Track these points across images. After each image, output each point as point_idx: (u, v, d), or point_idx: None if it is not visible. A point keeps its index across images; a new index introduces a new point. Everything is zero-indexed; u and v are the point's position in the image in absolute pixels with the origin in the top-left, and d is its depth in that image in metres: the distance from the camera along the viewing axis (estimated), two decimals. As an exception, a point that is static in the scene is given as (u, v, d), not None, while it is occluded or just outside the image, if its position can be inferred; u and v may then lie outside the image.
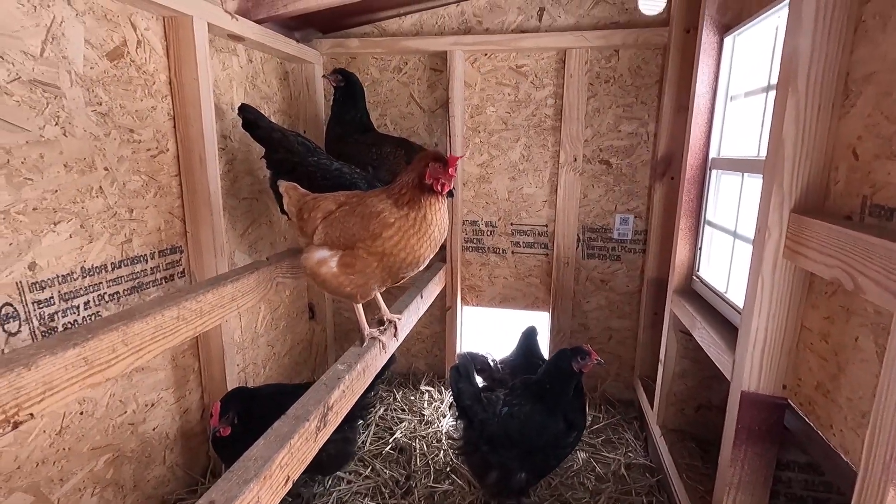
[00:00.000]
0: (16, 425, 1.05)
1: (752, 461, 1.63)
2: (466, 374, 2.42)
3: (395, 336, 2.22)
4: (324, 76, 2.87)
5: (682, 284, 2.47)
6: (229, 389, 2.48)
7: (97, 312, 1.89)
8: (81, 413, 1.87)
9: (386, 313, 2.23)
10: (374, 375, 2.04)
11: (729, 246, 2.09)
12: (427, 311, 2.94)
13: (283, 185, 2.09)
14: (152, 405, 2.22)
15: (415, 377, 3.68)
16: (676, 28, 2.70)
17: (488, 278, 3.54)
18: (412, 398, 3.43)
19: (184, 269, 2.33)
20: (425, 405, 3.35)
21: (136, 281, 2.07)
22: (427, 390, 3.52)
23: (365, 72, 3.35)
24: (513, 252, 3.46)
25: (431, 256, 1.77)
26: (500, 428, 2.25)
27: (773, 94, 1.80)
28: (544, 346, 3.34)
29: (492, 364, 3.03)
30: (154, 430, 2.24)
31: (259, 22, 2.56)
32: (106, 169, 1.90)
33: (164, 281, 2.22)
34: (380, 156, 2.92)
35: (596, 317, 3.41)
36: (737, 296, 1.99)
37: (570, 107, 3.09)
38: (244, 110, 2.33)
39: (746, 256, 1.95)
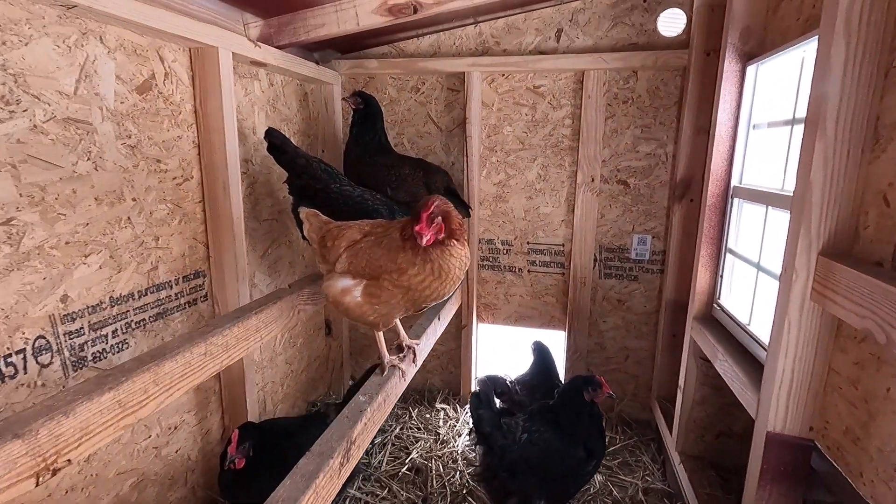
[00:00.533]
0: (54, 472, 1.08)
1: (776, 501, 1.62)
2: (487, 400, 2.42)
3: (413, 362, 2.23)
4: (343, 99, 2.90)
5: (702, 311, 2.46)
6: (248, 411, 2.52)
7: (124, 340, 1.93)
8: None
9: (405, 339, 2.24)
10: (393, 403, 2.05)
11: (751, 276, 2.07)
12: (443, 330, 2.96)
13: (303, 212, 2.12)
14: (175, 428, 2.25)
15: (430, 394, 3.69)
16: (696, 51, 2.69)
17: (504, 296, 3.54)
18: (428, 416, 3.44)
19: (206, 294, 2.37)
20: (441, 423, 3.36)
21: (161, 307, 2.11)
22: (442, 408, 3.53)
23: (383, 91, 3.37)
24: (529, 271, 3.46)
25: (456, 288, 1.78)
26: (519, 455, 2.26)
27: (798, 127, 1.80)
28: (560, 364, 3.32)
29: (510, 386, 3.03)
30: (177, 452, 2.28)
31: (281, 48, 2.60)
32: (134, 199, 1.94)
33: (187, 305, 2.26)
34: (399, 177, 2.93)
35: (612, 336, 3.40)
36: (760, 329, 1.97)
37: (587, 127, 3.09)
38: (270, 135, 2.35)
39: (770, 290, 1.94)
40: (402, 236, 1.68)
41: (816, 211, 1.42)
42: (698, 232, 2.51)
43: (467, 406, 3.55)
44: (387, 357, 2.07)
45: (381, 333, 1.99)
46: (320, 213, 2.10)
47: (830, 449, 1.49)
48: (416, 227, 1.59)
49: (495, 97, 3.23)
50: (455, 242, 1.68)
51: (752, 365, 1.88)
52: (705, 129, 2.77)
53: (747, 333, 2.03)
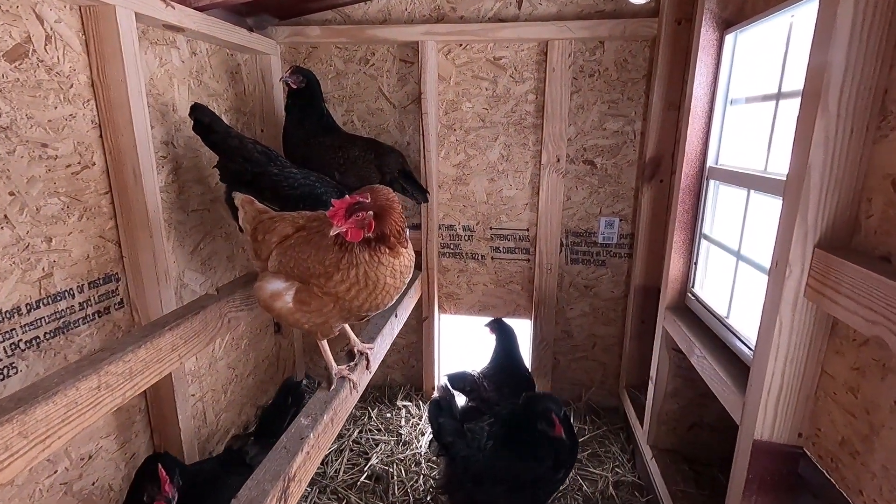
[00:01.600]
0: None
1: (762, 512, 1.49)
2: (448, 407, 2.22)
3: (367, 369, 2.00)
4: (281, 79, 2.55)
5: (675, 301, 2.32)
6: (181, 428, 2.22)
7: (11, 364, 1.60)
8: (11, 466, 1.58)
9: (356, 344, 2.00)
10: (343, 420, 1.82)
11: (730, 265, 1.93)
12: (402, 327, 2.73)
13: (238, 198, 1.82)
14: (89, 458, 1.94)
15: (391, 391, 3.48)
16: (667, 19, 2.49)
17: (467, 285, 3.33)
18: (388, 415, 3.23)
19: (122, 300, 2.03)
20: (402, 423, 3.16)
21: (61, 321, 1.77)
22: (404, 405, 3.33)
23: (328, 63, 3.03)
24: (492, 258, 3.25)
25: (396, 298, 1.55)
26: (485, 464, 2.08)
27: (785, 102, 1.63)
28: (526, 355, 3.15)
29: (478, 382, 2.83)
30: (94, 484, 1.97)
31: (201, 9, 2.23)
32: (12, 194, 1.58)
33: (97, 315, 1.92)
34: (347, 160, 2.64)
35: (580, 324, 3.26)
36: (741, 323, 1.84)
37: (552, 103, 2.86)
38: (197, 111, 2.01)
39: (751, 281, 1.80)
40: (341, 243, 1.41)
41: (815, 197, 1.25)
42: (670, 216, 2.36)
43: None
44: (334, 367, 1.82)
45: (324, 342, 1.73)
46: (256, 201, 1.81)
47: (822, 459, 1.36)
48: (328, 212, 1.32)
49: (453, 70, 2.95)
50: (386, 250, 1.41)
51: (734, 364, 1.74)
52: (676, 105, 2.60)
53: (726, 327, 1.90)
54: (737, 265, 1.87)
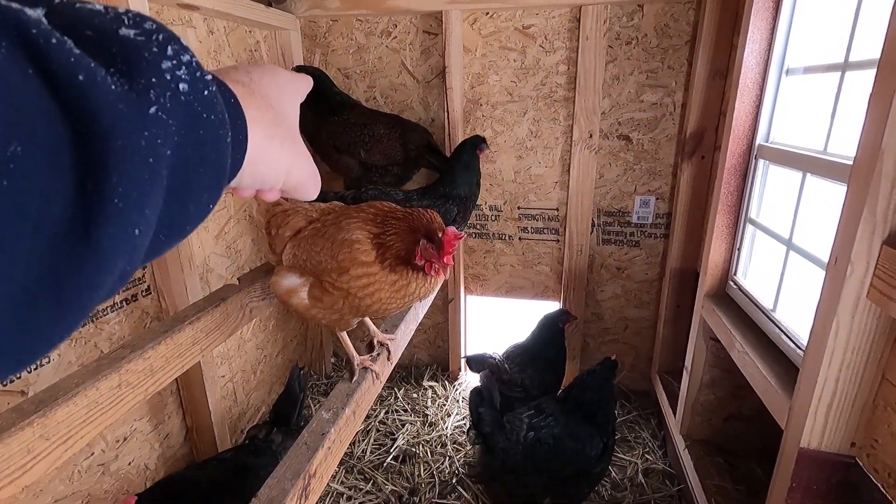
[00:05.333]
0: None
1: (805, 521, 1.40)
2: (489, 396, 2.18)
3: (388, 360, 1.96)
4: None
5: (715, 289, 2.18)
6: (211, 409, 2.27)
7: (40, 363, 1.63)
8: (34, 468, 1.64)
9: (377, 335, 1.95)
10: (365, 412, 1.80)
11: (779, 255, 1.78)
12: (427, 309, 2.68)
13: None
14: (124, 440, 2.00)
15: (417, 370, 3.48)
16: (716, -23, 2.26)
17: (493, 266, 3.25)
18: (415, 396, 3.24)
19: (149, 286, 2.05)
20: (429, 403, 3.16)
21: (90, 309, 1.80)
22: (430, 386, 3.33)
23: (349, 37, 2.91)
24: (520, 238, 3.14)
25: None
26: (525, 457, 2.04)
27: (851, 74, 1.44)
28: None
29: (500, 364, 2.78)
30: (130, 464, 2.04)
31: (216, -15, 2.14)
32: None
33: (125, 303, 1.95)
34: (372, 138, 2.57)
35: (611, 306, 3.15)
36: (789, 318, 1.70)
37: (585, 74, 2.68)
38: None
39: (803, 273, 1.65)
40: (405, 259, 1.36)
41: (886, 185, 1.10)
42: (712, 197, 2.19)
43: (456, 384, 3.35)
44: (356, 358, 1.78)
45: (344, 333, 1.70)
46: None
47: (878, 472, 1.25)
48: (446, 259, 1.33)
49: (479, 40, 2.79)
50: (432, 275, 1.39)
51: (780, 362, 1.62)
52: (722, 74, 2.39)
53: (772, 321, 1.76)
54: (787, 255, 1.72)
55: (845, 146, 1.43)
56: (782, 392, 1.48)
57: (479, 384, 2.39)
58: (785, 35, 1.81)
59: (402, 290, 1.38)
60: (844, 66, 1.47)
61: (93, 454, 1.86)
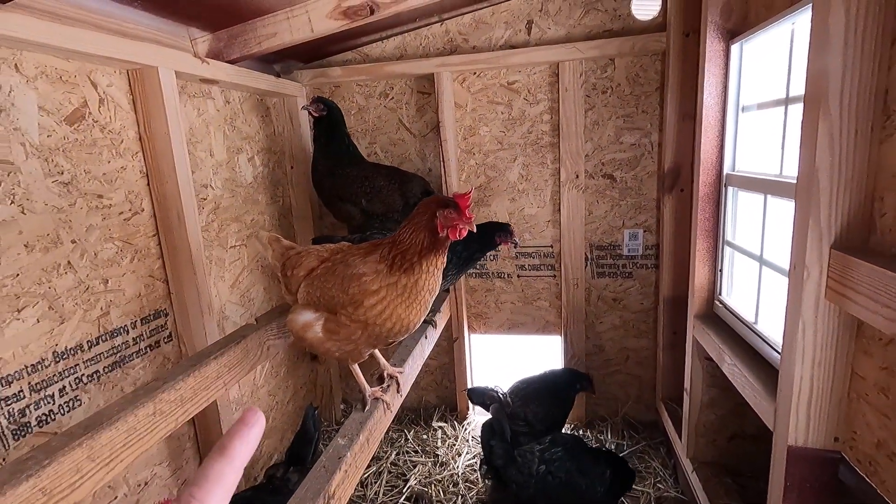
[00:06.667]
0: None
1: (804, 521, 1.46)
2: (501, 430, 2.25)
3: (398, 392, 2.06)
4: (303, 107, 2.73)
5: (703, 309, 2.31)
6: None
7: (75, 397, 1.75)
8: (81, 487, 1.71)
9: (386, 368, 2.07)
10: (378, 440, 1.88)
11: (754, 271, 1.92)
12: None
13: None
14: (146, 484, 2.06)
15: (426, 412, 3.52)
16: (675, 33, 2.54)
17: (495, 304, 3.38)
18: (425, 437, 3.27)
19: (170, 333, 2.18)
20: (439, 443, 3.19)
21: (118, 355, 1.93)
22: (440, 426, 3.36)
23: (350, 99, 3.20)
24: (518, 276, 3.29)
25: (423, 318, 1.62)
26: (537, 491, 2.08)
27: (793, 107, 1.65)
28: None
29: (502, 398, 2.85)
30: (150, 509, 2.09)
31: (233, 62, 2.42)
32: (74, 241, 1.75)
33: (149, 349, 2.07)
34: (372, 189, 2.78)
35: (611, 337, 3.25)
36: (769, 328, 1.82)
37: (567, 121, 2.93)
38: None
39: (777, 285, 1.79)
40: (429, 244, 1.48)
41: (825, 198, 1.27)
42: (692, 224, 2.36)
43: (465, 423, 3.38)
44: (367, 389, 1.89)
45: (356, 365, 1.82)
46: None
47: (861, 463, 1.34)
48: (467, 213, 1.42)
49: (468, 97, 3.07)
50: (440, 257, 1.51)
51: (764, 369, 1.73)
52: (691, 115, 2.63)
53: (755, 333, 1.88)
54: (760, 270, 1.87)
55: (795, 168, 1.61)
56: (767, 396, 1.58)
57: (490, 418, 2.46)
58: (737, 78, 2.05)
59: (412, 292, 1.49)
60: (787, 101, 1.68)
61: (116, 497, 1.92)
